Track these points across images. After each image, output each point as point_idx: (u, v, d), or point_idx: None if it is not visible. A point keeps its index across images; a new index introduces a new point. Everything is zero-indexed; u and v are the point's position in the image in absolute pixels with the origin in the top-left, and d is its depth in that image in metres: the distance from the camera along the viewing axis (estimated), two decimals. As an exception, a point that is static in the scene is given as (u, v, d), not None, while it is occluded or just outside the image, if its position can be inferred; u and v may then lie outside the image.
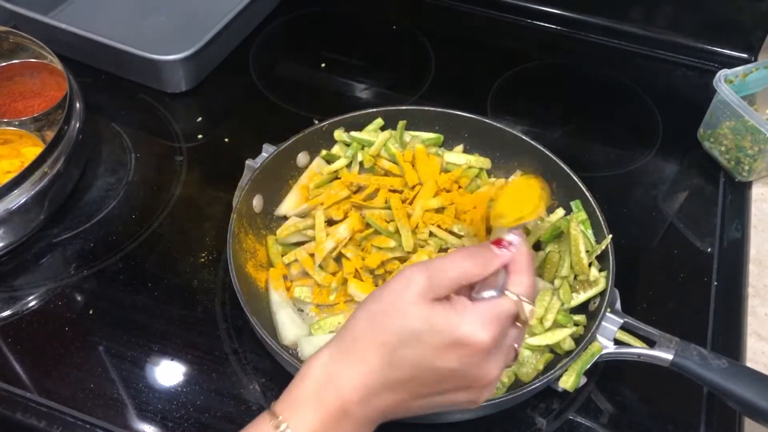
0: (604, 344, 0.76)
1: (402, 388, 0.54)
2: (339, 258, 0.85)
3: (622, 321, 0.77)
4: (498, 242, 0.57)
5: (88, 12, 1.25)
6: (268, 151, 0.90)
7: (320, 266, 0.84)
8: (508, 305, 0.54)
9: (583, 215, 0.88)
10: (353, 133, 0.96)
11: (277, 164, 0.91)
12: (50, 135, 0.92)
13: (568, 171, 0.90)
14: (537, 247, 0.87)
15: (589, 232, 0.86)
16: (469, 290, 0.56)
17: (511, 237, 0.57)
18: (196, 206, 0.98)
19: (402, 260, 0.84)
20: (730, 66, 1.04)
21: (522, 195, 0.67)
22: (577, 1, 1.26)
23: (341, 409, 0.53)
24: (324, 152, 0.95)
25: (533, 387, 0.72)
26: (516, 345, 0.56)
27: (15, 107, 1.01)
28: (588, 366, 0.75)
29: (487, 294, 0.55)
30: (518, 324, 0.56)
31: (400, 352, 0.52)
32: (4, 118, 0.97)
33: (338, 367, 0.53)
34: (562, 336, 0.78)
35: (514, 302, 0.54)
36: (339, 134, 0.96)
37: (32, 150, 0.95)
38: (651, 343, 0.75)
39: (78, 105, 0.97)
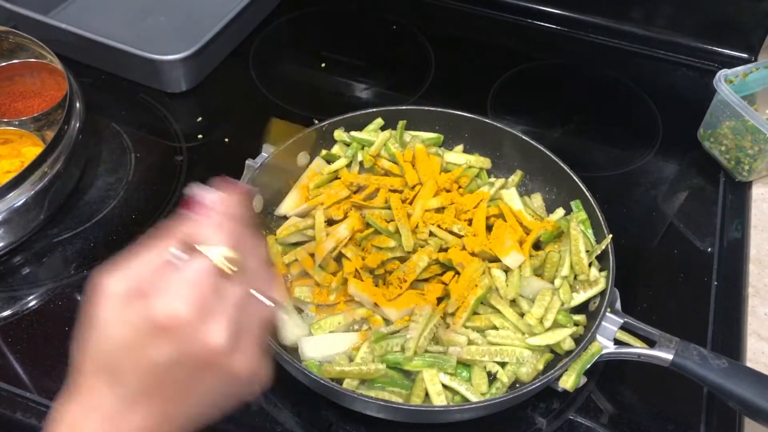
0: (604, 344, 0.76)
1: (147, 400, 0.48)
2: (339, 258, 0.85)
3: (622, 321, 0.77)
4: (189, 205, 0.51)
5: (88, 12, 1.25)
6: (268, 151, 0.90)
7: (320, 266, 0.84)
8: (196, 264, 0.47)
9: (583, 215, 0.88)
10: (353, 133, 0.96)
11: (277, 164, 0.91)
12: (50, 135, 0.92)
13: (568, 171, 0.90)
14: (537, 247, 0.87)
15: (589, 232, 0.86)
16: None
17: (208, 192, 0.51)
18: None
19: (402, 260, 0.84)
20: (730, 66, 1.04)
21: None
22: (577, 1, 1.27)
23: None
24: (324, 152, 0.95)
25: (533, 387, 0.73)
26: (235, 299, 0.48)
27: (15, 107, 1.01)
28: (588, 366, 0.75)
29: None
30: (229, 275, 0.48)
31: (120, 366, 0.47)
32: (3, 117, 0.98)
33: (75, 413, 0.48)
34: (562, 336, 0.78)
35: (202, 257, 0.47)
36: (339, 134, 0.96)
37: (32, 150, 0.95)
38: (651, 343, 0.75)
39: (78, 105, 0.97)
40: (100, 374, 0.48)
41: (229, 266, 0.48)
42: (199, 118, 1.11)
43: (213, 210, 0.50)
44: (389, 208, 0.87)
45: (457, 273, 0.83)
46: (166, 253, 0.48)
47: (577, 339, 0.79)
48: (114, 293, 0.47)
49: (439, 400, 0.74)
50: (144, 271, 0.48)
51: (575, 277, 0.84)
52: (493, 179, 0.96)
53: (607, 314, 0.77)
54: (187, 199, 0.51)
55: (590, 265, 0.83)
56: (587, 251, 0.84)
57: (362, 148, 0.95)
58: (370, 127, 0.96)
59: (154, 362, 0.47)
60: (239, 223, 0.51)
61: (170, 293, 0.46)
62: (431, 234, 0.86)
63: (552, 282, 0.83)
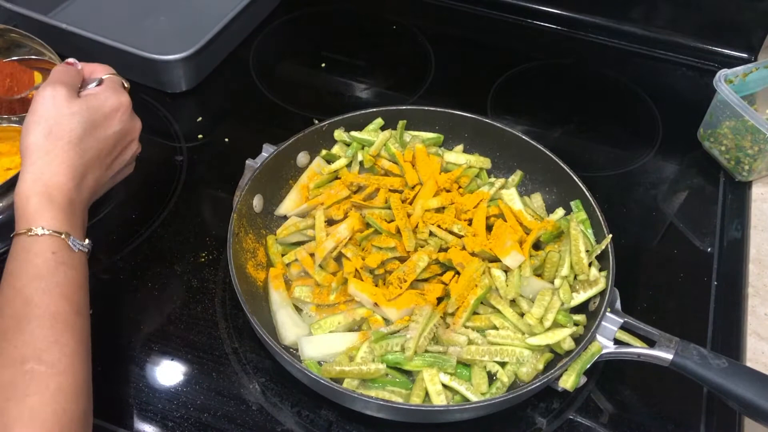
0: (604, 344, 0.76)
1: (97, 164, 0.74)
2: (339, 258, 0.85)
3: (622, 321, 0.77)
4: (68, 64, 0.79)
5: (88, 12, 1.25)
6: (268, 151, 0.90)
7: (320, 266, 0.84)
8: (111, 79, 0.79)
9: (583, 215, 0.88)
10: (353, 133, 0.96)
11: (277, 164, 0.91)
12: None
13: (568, 171, 0.90)
14: (537, 247, 0.87)
15: (589, 232, 0.86)
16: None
17: (70, 60, 0.80)
18: (196, 206, 0.98)
19: (402, 260, 0.84)
20: (730, 66, 1.04)
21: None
22: (577, 1, 1.27)
23: (67, 199, 0.69)
24: (324, 152, 0.95)
25: (533, 387, 0.73)
26: (125, 102, 0.79)
27: (14, 104, 1.01)
28: (588, 366, 0.75)
29: (92, 85, 0.78)
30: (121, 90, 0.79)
31: (85, 140, 0.72)
32: (3, 114, 0.97)
33: (48, 174, 0.69)
34: (562, 336, 0.78)
35: (112, 76, 0.80)
36: (339, 134, 0.96)
37: (32, 149, 0.95)
38: (651, 343, 0.75)
39: (78, 105, 0.97)
40: (69, 149, 0.70)
41: (113, 74, 0.81)
42: (199, 118, 1.11)
43: (83, 64, 0.81)
44: (389, 208, 0.87)
45: (457, 273, 0.83)
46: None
47: (577, 339, 0.79)
48: (68, 93, 0.73)
49: (439, 399, 0.74)
50: (76, 80, 0.76)
51: (575, 277, 0.84)
52: (493, 179, 0.96)
53: (607, 314, 0.77)
54: (66, 62, 0.79)
55: (590, 265, 0.83)
56: (587, 251, 0.84)
57: (362, 148, 0.95)
58: (370, 127, 0.96)
59: (107, 135, 0.75)
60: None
61: (114, 91, 0.77)
62: (431, 234, 0.86)
63: (552, 282, 0.83)
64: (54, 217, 0.67)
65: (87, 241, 0.71)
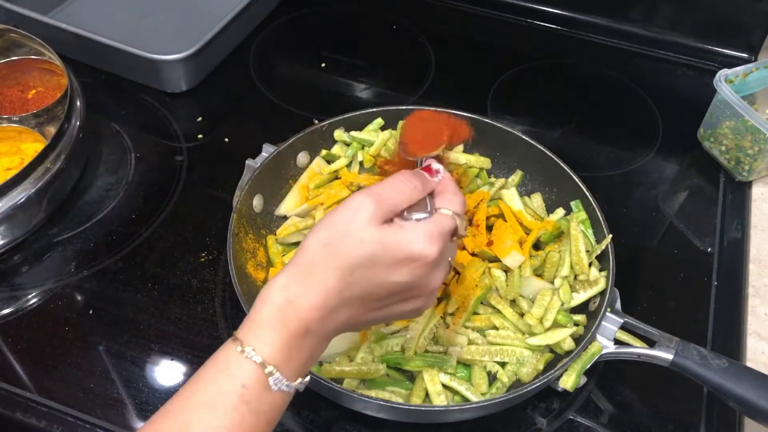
0: (604, 344, 0.76)
1: (358, 304, 0.59)
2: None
3: (622, 321, 0.77)
4: (428, 170, 0.64)
5: (88, 12, 1.25)
6: (268, 151, 0.90)
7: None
8: (448, 221, 0.61)
9: (583, 215, 0.88)
10: (353, 133, 0.96)
11: (277, 164, 0.91)
12: (51, 131, 0.92)
13: (568, 171, 0.90)
14: (537, 247, 0.87)
15: (589, 232, 0.86)
16: (400, 213, 0.60)
17: (437, 166, 0.64)
18: (196, 206, 0.98)
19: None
20: (730, 66, 1.04)
21: (426, 127, 0.72)
22: (577, 1, 1.26)
23: (303, 328, 0.56)
24: (324, 152, 0.95)
25: (533, 387, 0.72)
26: (450, 258, 0.63)
27: (14, 104, 1.01)
28: (588, 366, 0.75)
29: (418, 215, 0.60)
30: (454, 239, 0.63)
31: (357, 273, 0.57)
32: (4, 114, 0.98)
33: (297, 290, 0.56)
34: (562, 336, 0.78)
35: (452, 218, 0.61)
36: (339, 134, 0.96)
37: (32, 146, 0.95)
38: (651, 343, 0.75)
39: (78, 103, 0.97)
40: (336, 273, 0.57)
41: (461, 229, 0.62)
42: (199, 118, 1.11)
43: (444, 176, 0.64)
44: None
45: (457, 273, 0.83)
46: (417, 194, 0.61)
47: (577, 339, 0.79)
48: (376, 215, 0.58)
49: (439, 400, 0.74)
50: (403, 205, 0.60)
51: (575, 277, 0.84)
52: (493, 179, 0.96)
53: (607, 314, 0.77)
54: (426, 166, 0.65)
55: (590, 265, 0.83)
56: (587, 251, 0.84)
57: (362, 148, 0.95)
58: (370, 127, 0.96)
59: (388, 281, 0.58)
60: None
61: (427, 237, 0.58)
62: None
63: (552, 282, 0.83)
64: (273, 342, 0.55)
65: (299, 381, 0.57)
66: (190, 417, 0.53)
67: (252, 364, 0.54)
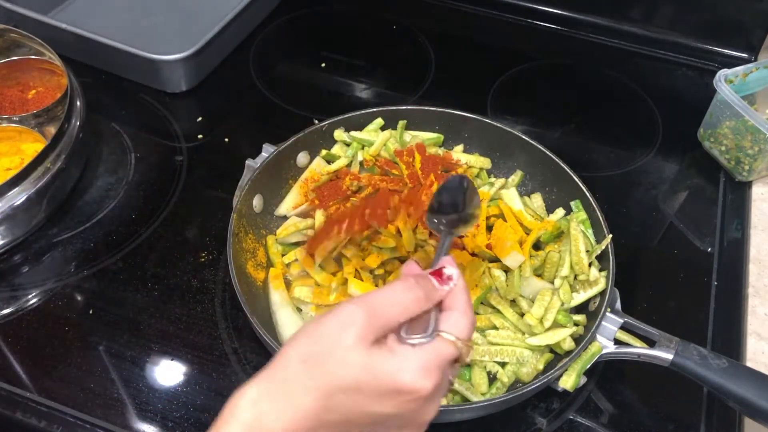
0: (604, 344, 0.76)
1: (334, 429, 0.51)
2: (339, 258, 0.85)
3: (622, 321, 0.77)
4: (438, 275, 0.54)
5: (88, 12, 1.25)
6: (268, 151, 0.90)
7: (320, 266, 0.84)
8: (449, 351, 0.52)
9: (583, 215, 0.88)
10: (353, 133, 0.96)
11: (277, 164, 0.91)
12: (51, 131, 0.92)
13: (568, 171, 0.90)
14: (537, 247, 0.87)
15: (589, 232, 0.86)
16: (397, 328, 0.52)
17: (450, 270, 0.54)
18: (196, 206, 0.98)
19: (402, 260, 0.84)
20: (730, 66, 1.04)
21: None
22: (577, 1, 1.26)
23: None
24: (324, 152, 0.95)
25: (533, 387, 0.72)
26: (451, 378, 0.55)
27: (14, 104, 1.01)
28: (588, 366, 0.75)
29: (418, 338, 0.52)
30: (456, 365, 0.54)
31: (337, 398, 0.50)
32: (4, 114, 0.98)
33: (268, 408, 0.50)
34: (562, 336, 0.78)
35: (455, 347, 0.52)
36: (339, 134, 0.96)
37: (32, 146, 0.95)
38: (651, 343, 0.75)
39: (78, 103, 0.97)
40: (313, 395, 0.49)
41: (465, 357, 0.53)
42: (199, 118, 1.11)
43: (455, 285, 0.54)
44: (389, 208, 0.87)
45: (457, 273, 0.83)
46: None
47: (577, 339, 0.79)
48: (366, 333, 0.50)
49: (439, 400, 0.74)
50: (399, 320, 0.51)
51: (575, 277, 0.84)
52: (493, 179, 0.96)
53: (607, 314, 0.77)
54: (436, 269, 0.55)
55: (590, 265, 0.83)
56: (587, 251, 0.84)
57: (362, 148, 0.95)
58: (370, 127, 0.96)
59: (371, 412, 0.50)
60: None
61: (421, 369, 0.50)
62: (431, 234, 0.85)
63: (552, 282, 0.83)
64: None
65: None
66: None
67: None
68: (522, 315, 0.80)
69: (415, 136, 0.97)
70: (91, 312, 0.86)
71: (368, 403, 0.50)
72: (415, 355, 0.51)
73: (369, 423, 0.52)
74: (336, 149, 0.96)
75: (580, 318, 0.80)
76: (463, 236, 0.85)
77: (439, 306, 0.54)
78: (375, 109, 0.96)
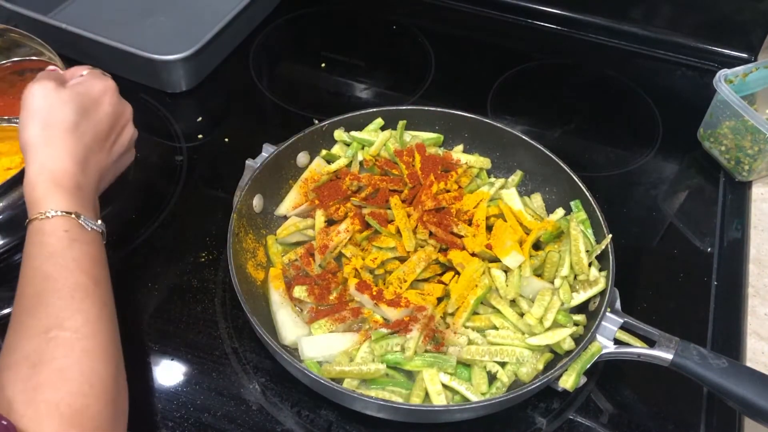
0: (604, 344, 0.76)
1: (96, 147, 0.76)
2: (339, 258, 0.85)
3: (622, 321, 0.77)
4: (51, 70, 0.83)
5: (88, 12, 1.25)
6: (268, 151, 0.90)
7: (320, 266, 0.84)
8: (95, 70, 0.83)
9: (583, 215, 0.88)
10: (353, 133, 0.96)
11: (277, 164, 0.91)
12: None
13: (568, 171, 0.90)
14: (537, 247, 0.87)
15: (589, 232, 0.86)
16: None
17: (52, 67, 0.85)
18: (196, 206, 0.98)
19: (402, 260, 0.84)
20: (730, 66, 1.04)
21: None
22: (577, 1, 1.27)
23: (74, 183, 0.71)
24: (324, 152, 0.95)
25: (533, 387, 0.73)
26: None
27: (15, 104, 1.01)
28: (588, 366, 0.75)
29: (73, 80, 0.79)
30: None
31: (80, 125, 0.74)
32: (4, 115, 0.97)
33: (51, 162, 0.71)
34: (562, 336, 0.78)
35: (92, 70, 0.83)
36: (339, 134, 0.96)
37: (32, 149, 0.95)
38: (651, 343, 0.75)
39: (78, 104, 0.97)
40: (67, 136, 0.73)
41: (93, 68, 0.83)
42: (199, 118, 1.11)
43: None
44: (389, 208, 0.87)
45: (457, 273, 0.83)
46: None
47: (577, 339, 0.79)
48: (48, 86, 0.74)
49: (439, 399, 0.74)
50: (55, 77, 0.77)
51: (575, 277, 0.84)
52: (493, 179, 0.96)
53: (607, 314, 0.77)
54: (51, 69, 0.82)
55: (590, 265, 0.83)
56: (587, 251, 0.84)
57: (362, 148, 0.95)
58: (370, 127, 0.96)
59: (101, 117, 0.77)
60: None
61: (97, 77, 0.80)
62: (431, 234, 0.85)
63: (552, 282, 0.83)
64: (62, 198, 0.69)
65: (100, 222, 0.72)
66: (43, 268, 0.66)
67: (61, 218, 0.68)
68: (522, 315, 0.80)
69: (415, 136, 0.97)
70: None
71: (95, 113, 0.77)
72: (86, 77, 0.80)
73: (108, 127, 0.79)
74: (336, 149, 0.96)
75: (580, 318, 0.80)
76: (463, 236, 0.85)
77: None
78: (375, 109, 0.96)
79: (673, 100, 1.18)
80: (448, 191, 0.90)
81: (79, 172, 0.72)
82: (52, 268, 0.66)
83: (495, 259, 0.84)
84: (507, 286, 0.82)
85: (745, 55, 1.22)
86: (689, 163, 1.08)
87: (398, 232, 0.85)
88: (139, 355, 0.82)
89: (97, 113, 0.77)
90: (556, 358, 0.79)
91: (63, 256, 0.67)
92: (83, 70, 0.82)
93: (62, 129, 0.72)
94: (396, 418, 0.75)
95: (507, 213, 0.88)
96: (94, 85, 0.78)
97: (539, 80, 1.21)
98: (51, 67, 0.84)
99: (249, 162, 0.89)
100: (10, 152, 0.94)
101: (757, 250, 0.96)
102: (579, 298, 0.81)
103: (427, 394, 0.75)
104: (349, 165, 0.95)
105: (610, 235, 0.83)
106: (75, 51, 1.11)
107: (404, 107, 0.98)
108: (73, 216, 0.69)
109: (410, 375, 0.78)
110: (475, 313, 0.81)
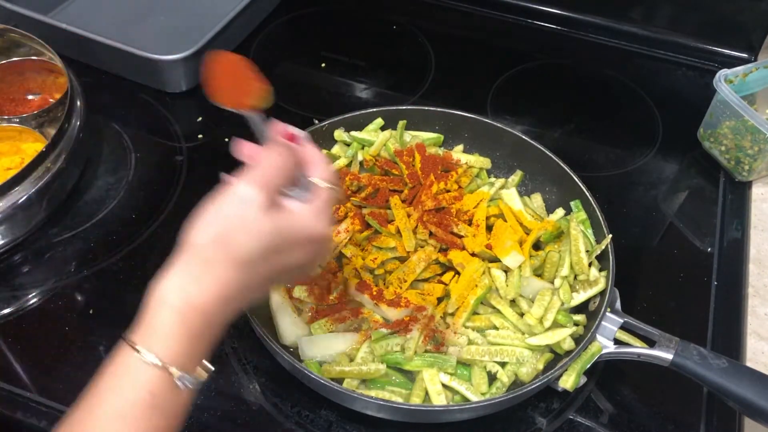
0: (604, 344, 0.76)
1: (258, 288, 0.60)
2: (339, 258, 0.85)
3: (622, 321, 0.77)
4: (291, 138, 0.64)
5: (88, 12, 1.25)
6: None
7: (320, 266, 0.84)
8: (329, 194, 0.62)
9: (583, 215, 0.88)
10: (353, 133, 0.96)
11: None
12: (51, 132, 0.92)
13: (568, 171, 0.90)
14: (537, 247, 0.87)
15: (589, 232, 0.86)
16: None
17: (295, 131, 0.64)
18: (196, 206, 0.98)
19: (402, 260, 0.84)
20: (730, 66, 1.04)
21: (235, 74, 0.72)
22: (577, 1, 1.26)
23: (205, 323, 0.56)
24: (324, 152, 0.95)
25: (533, 387, 0.73)
26: (333, 217, 0.69)
27: (15, 104, 1.01)
28: (588, 366, 0.75)
29: (299, 193, 0.61)
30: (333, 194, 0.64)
31: (256, 262, 0.57)
32: (4, 115, 0.98)
33: (196, 291, 0.55)
34: (562, 336, 0.78)
35: (331, 190, 0.62)
36: (339, 134, 0.96)
37: (32, 146, 0.95)
38: (651, 343, 0.75)
39: (79, 103, 0.97)
40: (234, 266, 0.56)
41: (340, 196, 0.65)
42: (199, 118, 1.11)
43: (308, 143, 0.64)
44: (389, 208, 0.87)
45: (457, 273, 0.83)
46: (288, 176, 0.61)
47: (577, 339, 0.79)
48: (263, 202, 0.57)
49: (439, 399, 0.74)
50: (285, 184, 0.60)
51: (575, 277, 0.84)
52: (493, 179, 0.96)
53: (607, 314, 0.77)
54: (288, 133, 0.64)
55: (590, 265, 0.83)
56: (587, 251, 0.84)
57: (362, 148, 0.95)
58: (370, 127, 0.96)
59: (285, 262, 0.60)
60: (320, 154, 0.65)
61: (315, 217, 0.60)
62: (431, 234, 0.85)
63: (552, 282, 0.83)
64: (175, 345, 0.54)
65: (206, 374, 0.58)
66: (102, 423, 0.52)
67: (155, 369, 0.53)
68: (522, 315, 0.80)
69: (415, 136, 0.97)
70: (91, 312, 0.86)
71: (282, 259, 0.59)
72: (308, 208, 0.60)
73: (286, 271, 0.61)
74: (336, 149, 0.96)
75: (580, 318, 0.80)
76: (463, 236, 0.85)
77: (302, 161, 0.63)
78: (375, 109, 0.96)
79: (673, 100, 1.18)
80: (448, 191, 0.90)
81: (219, 312, 0.56)
82: (114, 416, 0.53)
83: (495, 259, 0.84)
84: (507, 286, 0.82)
85: (745, 55, 1.22)
86: (689, 163, 1.08)
87: (398, 232, 0.85)
88: (139, 355, 0.82)
89: (286, 258, 0.60)
90: (556, 358, 0.79)
91: (132, 417, 0.53)
92: (320, 172, 0.63)
93: (233, 258, 0.56)
94: (396, 418, 0.75)
95: (507, 213, 0.88)
96: (307, 227, 0.60)
97: (539, 80, 1.21)
98: (294, 132, 0.65)
99: (249, 162, 0.89)
100: (9, 152, 0.95)
101: (757, 250, 0.96)
102: (579, 298, 0.81)
103: (427, 394, 0.75)
104: (349, 165, 0.95)
105: (610, 235, 0.83)
106: (75, 51, 1.11)
107: (404, 107, 0.98)
108: (171, 372, 0.54)
109: (410, 375, 0.78)
110: (475, 313, 0.81)
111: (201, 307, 0.55)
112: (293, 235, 0.59)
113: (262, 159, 0.60)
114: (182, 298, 0.55)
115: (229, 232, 0.57)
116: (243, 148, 0.63)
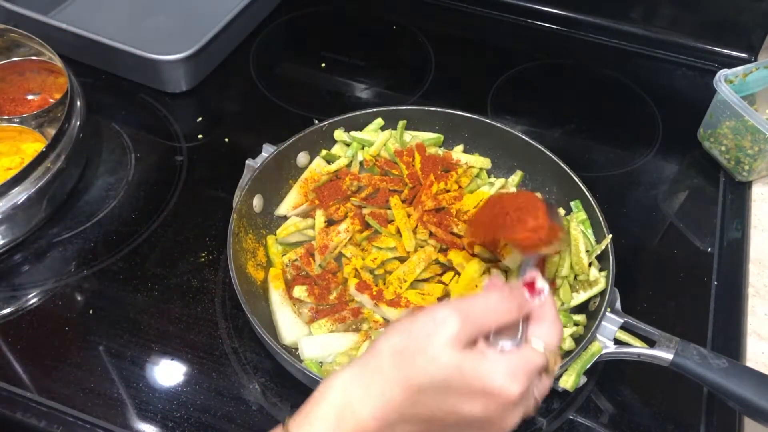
0: (604, 344, 0.76)
1: (420, 424, 0.53)
2: (339, 258, 0.85)
3: (622, 321, 0.77)
4: (531, 287, 0.57)
5: (88, 12, 1.25)
6: (268, 151, 0.90)
7: (320, 266, 0.84)
8: (539, 358, 0.54)
9: (583, 215, 0.88)
10: (353, 133, 0.96)
11: (277, 164, 0.91)
12: (51, 132, 0.92)
13: (568, 171, 0.90)
14: (537, 247, 0.87)
15: (589, 232, 0.86)
16: (487, 334, 0.55)
17: (542, 284, 0.58)
18: (196, 206, 0.98)
19: (402, 260, 0.84)
20: (730, 66, 1.04)
21: (500, 212, 0.67)
22: (577, 1, 1.27)
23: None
24: (324, 152, 0.95)
25: (533, 387, 0.72)
26: (537, 395, 0.56)
27: (15, 104, 1.01)
28: (588, 366, 0.75)
29: (506, 342, 0.54)
30: (543, 374, 0.56)
31: (426, 394, 0.52)
32: (4, 115, 0.98)
33: (359, 395, 0.52)
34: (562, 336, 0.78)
35: (543, 356, 0.54)
36: (339, 134, 0.96)
37: (32, 145, 0.95)
38: (651, 343, 0.75)
39: (79, 103, 0.97)
40: (403, 387, 0.52)
41: (554, 365, 0.56)
42: (199, 118, 1.11)
43: (548, 299, 0.58)
44: (389, 208, 0.87)
45: (457, 273, 0.83)
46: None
47: (577, 339, 0.79)
48: (459, 336, 0.52)
49: (439, 400, 0.74)
50: (491, 327, 0.54)
51: (575, 277, 0.84)
52: (493, 179, 0.96)
53: (607, 314, 0.77)
54: (529, 281, 0.58)
55: (590, 265, 0.83)
56: (587, 251, 0.84)
57: (362, 148, 0.95)
58: (370, 127, 0.96)
59: (457, 411, 0.52)
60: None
61: (511, 373, 0.52)
62: (431, 234, 0.86)
63: (552, 282, 0.83)
64: None
65: None
66: None
67: None
68: (522, 315, 0.80)
69: (415, 136, 0.97)
70: (91, 312, 0.86)
71: (455, 402, 0.52)
72: (505, 359, 0.53)
73: (452, 422, 0.53)
74: (336, 149, 0.96)
75: (580, 318, 0.80)
76: (463, 236, 0.85)
77: (526, 318, 0.56)
78: (375, 109, 0.96)
79: (673, 100, 1.18)
80: (448, 191, 0.90)
81: (374, 430, 0.53)
82: None
83: (495, 259, 0.84)
84: (507, 286, 0.82)
85: (745, 55, 1.22)
86: (689, 163, 1.08)
87: (398, 232, 0.85)
88: (139, 355, 0.82)
89: (457, 404, 0.53)
90: (556, 358, 0.79)
91: None
92: (549, 336, 0.56)
93: (404, 378, 0.52)
94: (396, 418, 0.75)
95: (507, 213, 0.88)
96: (492, 379, 0.52)
97: (539, 80, 1.21)
98: (532, 281, 0.58)
99: (249, 162, 0.89)
100: (9, 152, 0.95)
101: (757, 250, 0.96)
102: (579, 298, 0.81)
103: (427, 394, 0.75)
104: (349, 165, 0.95)
105: (610, 235, 0.83)
106: (75, 51, 1.11)
107: (404, 107, 0.98)
108: None
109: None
110: (475, 313, 0.81)
111: (358, 415, 0.52)
112: (474, 379, 0.52)
113: (483, 296, 0.55)
114: (344, 398, 0.53)
115: (410, 349, 0.52)
116: (492, 280, 0.59)
